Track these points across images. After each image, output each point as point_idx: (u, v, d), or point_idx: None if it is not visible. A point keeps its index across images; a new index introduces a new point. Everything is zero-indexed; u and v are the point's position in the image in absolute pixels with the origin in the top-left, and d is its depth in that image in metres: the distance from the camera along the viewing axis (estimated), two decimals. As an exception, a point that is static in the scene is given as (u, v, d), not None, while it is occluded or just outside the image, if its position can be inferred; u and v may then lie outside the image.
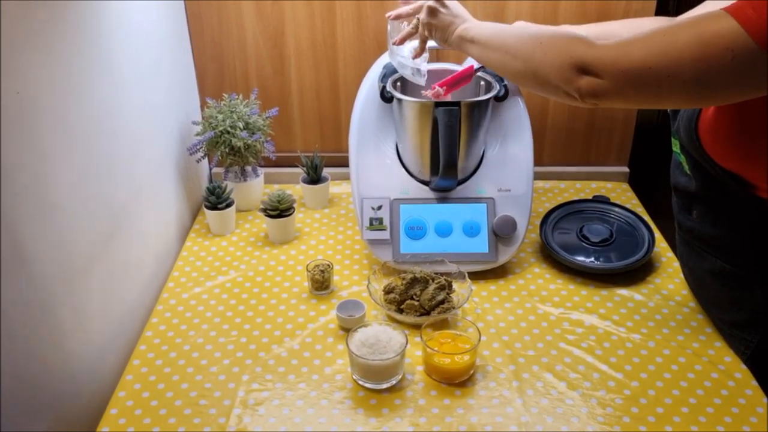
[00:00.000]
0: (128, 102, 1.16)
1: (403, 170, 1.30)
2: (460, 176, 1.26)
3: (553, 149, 1.62)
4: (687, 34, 0.80)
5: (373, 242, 1.27)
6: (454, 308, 1.15)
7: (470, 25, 1.07)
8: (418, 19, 1.13)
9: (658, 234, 1.39)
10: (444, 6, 1.09)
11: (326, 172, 1.51)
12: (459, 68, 1.28)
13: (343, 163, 1.40)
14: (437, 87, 1.22)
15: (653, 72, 0.82)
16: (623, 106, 1.23)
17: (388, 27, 1.22)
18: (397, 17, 1.18)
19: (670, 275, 1.28)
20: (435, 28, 1.11)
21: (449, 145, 1.18)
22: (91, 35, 1.02)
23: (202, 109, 1.52)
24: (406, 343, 1.03)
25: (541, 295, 1.24)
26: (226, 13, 1.47)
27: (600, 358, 1.08)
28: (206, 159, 1.45)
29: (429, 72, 1.26)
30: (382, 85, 1.27)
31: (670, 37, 0.81)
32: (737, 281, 1.04)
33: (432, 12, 1.10)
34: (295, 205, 1.40)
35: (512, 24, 1.12)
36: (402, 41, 1.17)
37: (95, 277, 1.04)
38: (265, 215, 1.37)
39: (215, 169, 1.60)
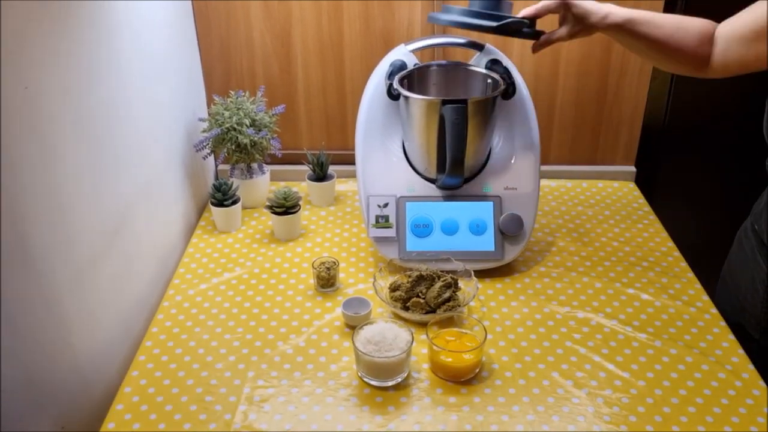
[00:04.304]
0: (135, 99, 1.16)
1: (410, 168, 1.30)
2: (466, 174, 1.26)
3: (559, 148, 1.62)
4: None
5: (379, 240, 1.27)
6: (459, 306, 1.15)
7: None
8: None
9: (664, 234, 1.38)
10: None
11: (332, 169, 1.51)
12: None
13: (350, 160, 1.40)
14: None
15: None
16: None
17: None
18: None
19: (677, 275, 1.28)
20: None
21: (456, 143, 1.18)
22: (100, 33, 1.02)
23: (209, 106, 1.52)
24: (412, 341, 1.03)
25: (547, 293, 1.23)
26: (233, 12, 1.48)
27: (606, 357, 1.08)
28: (212, 156, 1.45)
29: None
30: (388, 82, 1.26)
31: None
32: None
33: None
34: (301, 203, 1.40)
35: None
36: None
37: (101, 273, 1.04)
38: (271, 212, 1.37)
39: (221, 166, 1.60)
